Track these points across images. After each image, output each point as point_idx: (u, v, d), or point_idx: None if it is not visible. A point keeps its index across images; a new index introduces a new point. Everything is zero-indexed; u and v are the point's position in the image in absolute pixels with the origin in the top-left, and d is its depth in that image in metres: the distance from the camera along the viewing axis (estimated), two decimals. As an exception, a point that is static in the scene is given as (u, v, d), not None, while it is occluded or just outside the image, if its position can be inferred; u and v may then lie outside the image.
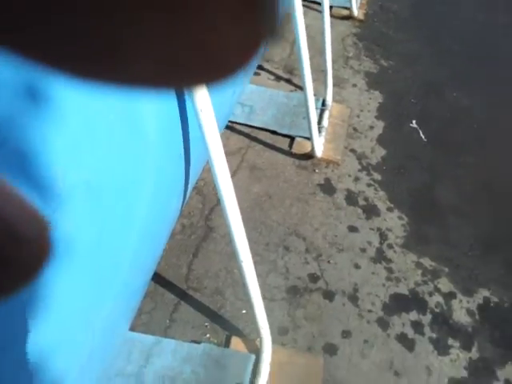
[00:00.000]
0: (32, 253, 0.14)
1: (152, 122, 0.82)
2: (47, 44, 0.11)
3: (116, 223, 0.79)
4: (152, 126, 0.83)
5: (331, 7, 3.08)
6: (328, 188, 1.88)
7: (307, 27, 1.85)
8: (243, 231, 1.16)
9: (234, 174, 1.85)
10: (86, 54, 0.11)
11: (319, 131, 2.07)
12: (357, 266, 1.61)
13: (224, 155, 1.09)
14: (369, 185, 1.93)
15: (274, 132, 2.10)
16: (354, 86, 2.58)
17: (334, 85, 2.43)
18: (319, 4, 2.56)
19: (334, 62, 2.50)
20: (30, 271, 0.14)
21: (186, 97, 0.96)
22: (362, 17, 3.23)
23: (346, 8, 3.22)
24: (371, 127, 2.28)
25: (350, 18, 3.19)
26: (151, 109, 0.81)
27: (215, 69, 0.12)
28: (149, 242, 0.98)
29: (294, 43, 1.94)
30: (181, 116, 0.97)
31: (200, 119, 0.98)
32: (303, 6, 3.13)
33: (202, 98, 0.95)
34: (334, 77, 2.46)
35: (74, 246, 0.68)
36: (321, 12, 2.32)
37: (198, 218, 1.66)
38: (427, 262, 1.67)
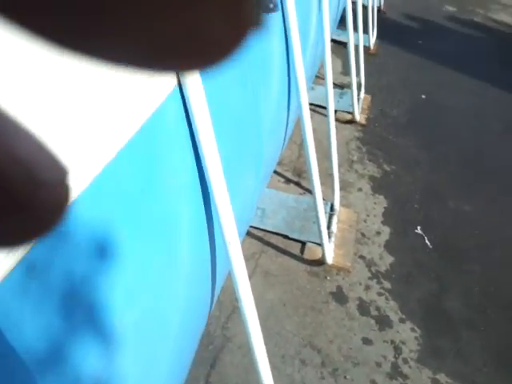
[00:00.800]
0: (51, 198, 0.14)
1: (186, 255, 0.87)
2: (42, 14, 0.11)
3: (154, 353, 0.81)
4: (185, 257, 0.87)
5: (335, 111, 3.28)
6: (340, 297, 1.91)
7: (313, 131, 1.97)
8: (262, 342, 1.17)
9: (248, 279, 1.88)
10: (78, 28, 0.11)
11: (329, 237, 2.14)
12: (373, 383, 1.61)
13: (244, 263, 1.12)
14: (380, 294, 1.96)
15: (285, 236, 2.16)
16: (360, 190, 2.69)
17: (341, 189, 2.54)
18: (324, 108, 2.73)
19: (339, 165, 2.63)
20: (48, 217, 0.14)
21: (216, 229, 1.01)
22: (364, 121, 3.42)
23: (349, 112, 3.43)
24: (378, 233, 2.35)
25: (352, 122, 3.39)
26: (186, 246, 0.86)
27: (204, 53, 0.12)
28: (182, 357, 1.00)
29: (303, 146, 2.06)
30: (210, 245, 1.02)
31: (229, 252, 1.02)
32: (309, 109, 3.33)
33: (230, 231, 0.99)
34: (341, 181, 2.58)
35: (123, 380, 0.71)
36: (326, 116, 2.48)
37: (215, 327, 1.68)
38: (443, 379, 1.67)
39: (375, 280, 2.04)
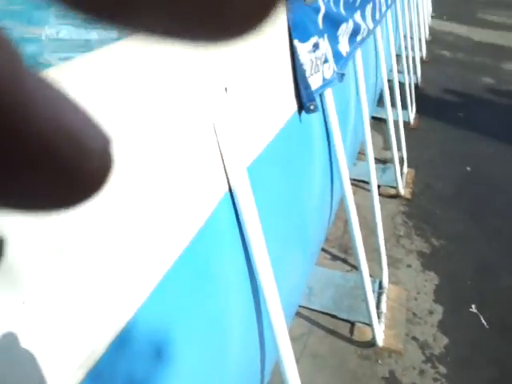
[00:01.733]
0: (96, 165, 0.14)
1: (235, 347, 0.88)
2: None
3: None
4: (235, 353, 0.88)
5: (379, 186, 3.29)
6: (393, 382, 1.83)
7: (357, 206, 1.98)
8: None
9: (296, 362, 1.84)
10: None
11: (378, 317, 2.09)
12: None
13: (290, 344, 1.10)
14: (435, 379, 1.87)
15: (334, 315, 2.12)
16: (409, 266, 2.63)
17: (389, 265, 2.50)
18: (367, 183, 2.75)
19: (386, 241, 2.60)
20: (93, 184, 0.14)
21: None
22: (408, 195, 3.41)
23: (392, 187, 3.43)
24: (430, 312, 2.27)
25: (397, 196, 3.38)
26: (236, 343, 0.88)
27: (232, 24, 0.12)
28: None
29: (347, 222, 2.07)
30: (259, 338, 1.03)
31: (277, 343, 1.01)
32: (352, 185, 3.36)
33: (278, 323, 0.99)
34: (388, 257, 2.54)
35: None
36: (369, 191, 2.49)
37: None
38: None
39: (429, 364, 1.95)
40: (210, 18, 0.12)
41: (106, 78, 0.45)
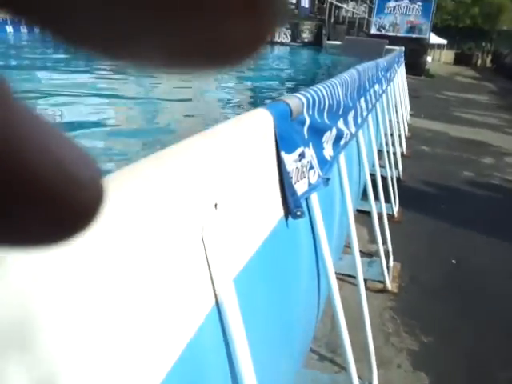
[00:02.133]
0: (86, 197, 0.14)
1: None
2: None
3: None
4: None
5: (366, 281, 3.28)
6: None
7: (345, 301, 1.94)
8: None
9: None
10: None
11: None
12: None
13: None
14: None
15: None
16: (399, 366, 2.55)
17: (378, 366, 2.42)
18: (354, 277, 2.74)
19: (374, 338, 2.54)
20: (86, 215, 0.14)
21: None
22: (395, 290, 3.39)
23: (379, 281, 3.42)
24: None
25: (384, 291, 3.36)
26: None
27: (224, 54, 0.12)
28: None
29: (334, 319, 2.02)
30: None
31: None
32: (338, 279, 3.33)
33: None
34: (377, 356, 2.47)
35: None
36: (356, 285, 2.47)
37: None
38: None
39: None
40: (204, 48, 0.12)
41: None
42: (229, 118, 0.90)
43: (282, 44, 15.30)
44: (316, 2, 21.83)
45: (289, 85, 8.14)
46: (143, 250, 0.53)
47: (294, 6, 20.07)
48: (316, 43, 15.09)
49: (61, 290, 0.41)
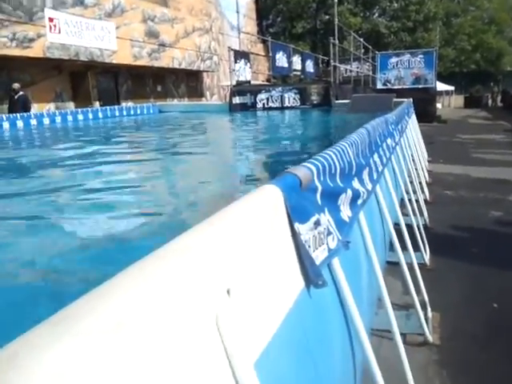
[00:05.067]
0: None
1: None
2: None
3: None
4: None
5: (405, 334, 3.17)
6: None
7: (385, 359, 1.86)
8: None
9: None
10: None
11: None
12: None
13: None
14: None
15: None
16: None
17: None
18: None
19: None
20: None
21: None
22: (438, 341, 3.25)
23: (419, 334, 3.30)
24: None
25: (425, 344, 3.23)
26: None
27: None
28: None
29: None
30: None
31: None
32: (376, 335, 3.25)
33: None
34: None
35: None
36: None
37: None
38: None
39: None
40: None
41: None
42: (241, 187, 0.92)
43: (292, 107, 15.73)
44: (320, 66, 22.60)
45: (300, 146, 8.30)
46: (158, 346, 0.54)
47: (300, 72, 20.79)
48: (325, 104, 15.50)
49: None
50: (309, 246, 1.11)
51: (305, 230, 1.09)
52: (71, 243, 3.05)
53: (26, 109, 12.41)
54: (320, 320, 1.22)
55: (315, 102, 15.78)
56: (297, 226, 1.05)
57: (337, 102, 15.76)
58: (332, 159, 1.46)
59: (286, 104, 15.76)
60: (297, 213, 1.05)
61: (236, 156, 7.24)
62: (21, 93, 12.26)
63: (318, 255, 1.15)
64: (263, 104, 15.97)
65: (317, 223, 1.17)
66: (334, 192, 1.43)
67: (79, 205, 4.16)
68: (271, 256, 0.94)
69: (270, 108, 15.82)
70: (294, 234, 1.05)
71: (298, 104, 15.75)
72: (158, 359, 0.54)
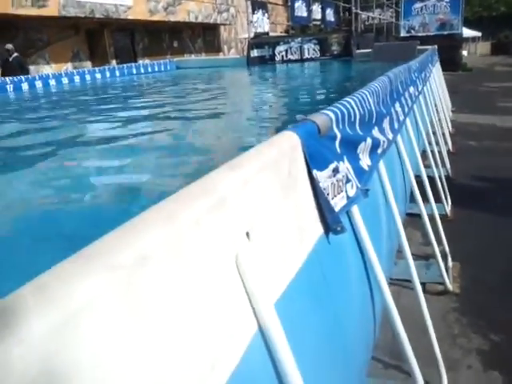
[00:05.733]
0: None
1: None
2: None
3: None
4: None
5: (425, 284, 3.20)
6: None
7: (404, 308, 1.90)
8: None
9: None
10: None
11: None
12: None
13: None
14: None
15: None
16: (469, 367, 2.47)
17: (447, 368, 2.35)
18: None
19: (440, 341, 2.47)
20: None
21: None
22: (457, 290, 3.28)
23: (439, 283, 3.32)
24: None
25: (445, 293, 3.26)
26: None
27: None
28: None
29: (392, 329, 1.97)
30: None
31: None
32: (396, 285, 3.28)
33: None
34: (445, 359, 2.40)
35: None
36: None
37: None
38: None
39: None
40: None
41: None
42: (261, 135, 0.93)
43: (311, 59, 15.32)
44: (341, 15, 21.77)
45: (320, 98, 8.15)
46: (176, 286, 0.57)
47: (319, 22, 20.10)
48: (346, 54, 15.02)
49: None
50: (327, 194, 1.11)
51: (323, 177, 1.09)
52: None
53: (23, 70, 11.63)
54: (339, 266, 1.24)
55: (336, 53, 15.34)
56: (315, 172, 1.05)
57: (358, 51, 15.29)
58: (352, 107, 1.44)
59: (306, 56, 15.37)
60: (315, 160, 1.05)
61: (254, 108, 7.17)
62: (15, 54, 11.52)
63: (337, 202, 1.15)
64: (282, 56, 15.61)
65: (335, 170, 1.17)
66: (354, 140, 1.42)
67: (102, 150, 4.27)
68: (290, 202, 0.95)
69: (289, 60, 15.46)
70: (313, 181, 1.05)
71: (318, 55, 15.33)
72: (180, 296, 0.57)
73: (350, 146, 1.37)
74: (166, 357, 0.53)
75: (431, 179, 3.90)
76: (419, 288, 2.34)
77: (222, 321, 0.65)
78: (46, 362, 0.36)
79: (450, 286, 3.28)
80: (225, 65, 17.23)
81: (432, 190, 3.64)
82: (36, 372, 0.35)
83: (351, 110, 1.43)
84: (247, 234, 0.73)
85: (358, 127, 1.49)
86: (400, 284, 3.24)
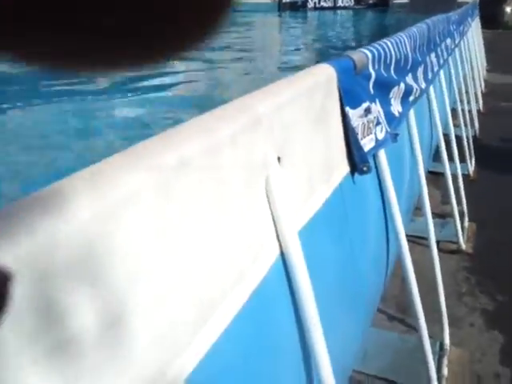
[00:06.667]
0: None
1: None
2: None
3: None
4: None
5: (438, 242, 3.21)
6: None
7: (416, 263, 1.92)
8: None
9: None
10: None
11: (439, 381, 1.99)
12: None
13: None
14: None
15: (391, 381, 2.05)
16: (472, 325, 2.51)
17: (450, 325, 2.40)
18: (425, 239, 2.69)
19: (447, 298, 2.50)
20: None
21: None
22: (470, 250, 3.29)
23: (453, 242, 3.33)
24: (496, 375, 2.14)
25: (458, 251, 3.27)
26: None
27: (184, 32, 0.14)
28: None
29: (404, 279, 2.01)
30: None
31: None
32: (409, 241, 3.28)
33: None
34: (449, 315, 2.44)
35: None
36: (428, 247, 2.43)
37: None
38: None
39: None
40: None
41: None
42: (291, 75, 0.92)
43: (345, 8, 14.68)
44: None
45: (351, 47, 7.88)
46: (209, 198, 0.58)
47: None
48: (381, 3, 14.32)
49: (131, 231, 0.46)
50: (357, 133, 1.10)
51: (355, 115, 1.07)
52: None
53: None
54: (360, 207, 1.24)
55: (370, 2, 14.68)
56: (347, 109, 1.04)
57: (395, 1, 14.59)
58: (389, 48, 1.39)
59: (339, 4, 14.76)
60: (349, 96, 1.03)
61: (286, 53, 7.01)
62: None
63: (366, 143, 1.14)
64: (314, 3, 15.00)
65: (367, 111, 1.15)
66: (387, 83, 1.38)
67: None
68: (320, 135, 0.94)
69: (322, 8, 14.86)
70: (344, 118, 1.04)
71: (352, 4, 14.71)
72: (213, 207, 0.58)
73: (384, 89, 1.34)
74: (195, 263, 0.54)
75: (457, 138, 3.82)
76: (434, 246, 2.34)
77: (247, 239, 0.67)
78: (87, 245, 0.38)
79: (463, 246, 3.29)
80: (256, 9, 16.58)
81: (457, 149, 3.58)
82: (78, 252, 0.37)
83: (388, 52, 1.39)
84: (278, 158, 0.73)
85: (392, 70, 1.45)
86: (413, 241, 3.25)
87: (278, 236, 0.72)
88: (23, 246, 0.31)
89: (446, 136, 3.34)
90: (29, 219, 0.33)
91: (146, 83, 4.78)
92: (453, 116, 3.76)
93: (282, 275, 0.75)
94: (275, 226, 0.71)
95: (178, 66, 6.02)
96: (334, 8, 14.86)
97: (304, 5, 15.23)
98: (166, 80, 5.38)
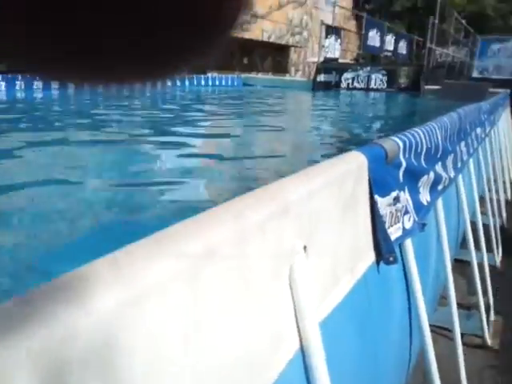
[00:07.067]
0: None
1: None
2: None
3: None
4: None
5: (463, 335, 3.06)
6: None
7: (439, 357, 1.81)
8: None
9: None
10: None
11: None
12: None
13: None
14: None
15: None
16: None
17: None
18: (449, 330, 2.56)
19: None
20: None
21: None
22: (497, 346, 3.12)
23: (478, 336, 3.17)
24: None
25: (483, 347, 3.11)
26: None
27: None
28: None
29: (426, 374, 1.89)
30: None
31: None
32: (432, 331, 3.14)
33: None
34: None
35: None
36: (451, 339, 2.31)
37: None
38: None
39: None
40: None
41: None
42: (322, 160, 0.92)
43: (377, 90, 15.09)
44: (414, 48, 21.45)
45: (383, 131, 8.04)
46: (234, 287, 0.56)
47: (391, 53, 19.91)
48: (413, 88, 14.64)
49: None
50: (384, 221, 1.08)
51: (384, 203, 1.06)
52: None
53: None
54: (384, 298, 1.20)
55: (403, 86, 15.05)
56: (376, 197, 1.03)
57: (427, 87, 14.94)
58: (420, 137, 1.40)
59: (372, 86, 15.18)
60: (378, 185, 1.03)
61: (319, 133, 7.20)
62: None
63: (392, 232, 1.12)
64: (348, 84, 15.48)
65: (396, 199, 1.14)
66: (417, 172, 1.38)
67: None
68: (348, 223, 0.93)
69: (355, 88, 15.30)
70: (373, 206, 1.03)
71: (385, 86, 15.10)
72: (237, 296, 0.56)
73: (413, 178, 1.33)
74: (214, 357, 0.52)
75: (485, 227, 3.75)
76: (459, 339, 2.24)
77: (267, 331, 0.64)
78: (107, 337, 0.36)
79: (488, 341, 3.12)
80: (290, 86, 17.24)
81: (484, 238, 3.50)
82: (98, 344, 0.35)
83: (419, 141, 1.40)
84: (304, 247, 0.71)
85: (422, 159, 1.45)
86: (436, 331, 3.11)
87: (298, 327, 0.70)
88: (37, 339, 0.30)
89: (473, 224, 3.28)
90: (45, 308, 0.32)
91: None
92: (480, 204, 3.72)
93: (300, 369, 0.72)
94: (296, 316, 0.69)
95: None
96: (367, 89, 15.27)
97: (337, 84, 15.73)
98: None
